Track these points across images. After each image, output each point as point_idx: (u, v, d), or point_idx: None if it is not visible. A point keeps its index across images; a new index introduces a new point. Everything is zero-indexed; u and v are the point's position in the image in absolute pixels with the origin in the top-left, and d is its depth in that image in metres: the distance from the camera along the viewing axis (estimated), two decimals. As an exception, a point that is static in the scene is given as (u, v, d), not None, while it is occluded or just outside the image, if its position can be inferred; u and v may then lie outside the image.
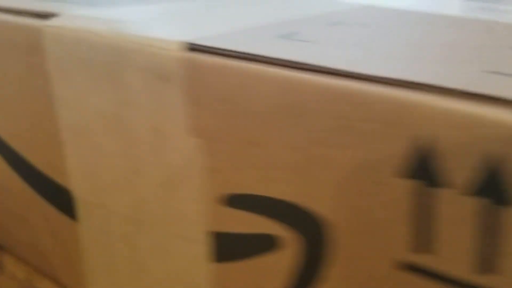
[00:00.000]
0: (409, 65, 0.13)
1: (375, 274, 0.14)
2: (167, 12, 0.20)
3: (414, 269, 0.13)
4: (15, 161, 0.23)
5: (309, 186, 0.14)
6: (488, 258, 0.11)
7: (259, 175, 0.15)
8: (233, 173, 0.15)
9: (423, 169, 0.12)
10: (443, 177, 0.11)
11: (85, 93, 0.18)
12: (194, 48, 0.15)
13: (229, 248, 0.17)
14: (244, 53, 0.14)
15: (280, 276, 0.16)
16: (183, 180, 0.17)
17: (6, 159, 0.23)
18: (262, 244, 0.16)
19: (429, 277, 0.13)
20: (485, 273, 0.12)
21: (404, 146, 0.12)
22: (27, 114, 0.21)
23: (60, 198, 0.21)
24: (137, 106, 0.17)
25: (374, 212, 0.13)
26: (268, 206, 0.15)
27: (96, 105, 0.18)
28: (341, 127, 0.13)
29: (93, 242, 0.21)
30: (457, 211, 0.12)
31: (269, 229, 0.15)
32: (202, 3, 0.22)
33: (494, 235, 0.11)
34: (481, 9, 0.23)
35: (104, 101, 0.17)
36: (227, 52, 0.14)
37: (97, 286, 0.22)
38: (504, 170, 0.11)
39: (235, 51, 0.14)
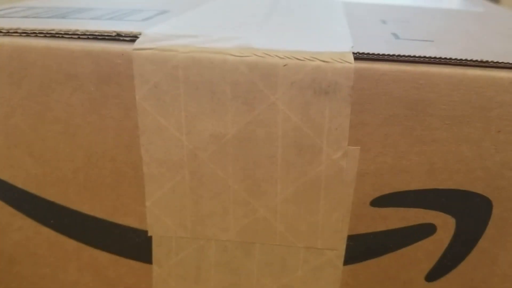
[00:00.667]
0: None
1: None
2: (249, 22, 0.18)
3: None
4: (59, 219, 0.18)
5: (477, 171, 0.15)
6: None
7: (425, 170, 0.15)
8: (392, 173, 0.16)
9: None
10: None
11: (193, 119, 0.16)
12: (362, 57, 0.15)
13: (371, 247, 0.17)
14: (415, 56, 0.14)
15: (426, 261, 0.17)
16: (322, 190, 0.16)
17: (47, 220, 0.18)
18: (415, 235, 0.16)
19: None
20: None
21: None
22: (85, 156, 0.17)
23: (132, 244, 0.18)
24: (275, 125, 0.15)
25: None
26: (426, 197, 0.16)
27: (211, 130, 0.16)
28: (517, 115, 0.14)
29: (174, 280, 0.18)
30: None
31: (421, 219, 0.16)
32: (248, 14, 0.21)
33: None
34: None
35: (224, 124, 0.16)
36: (399, 58, 0.14)
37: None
38: None
39: (403, 56, 0.14)
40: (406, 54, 0.14)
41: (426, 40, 0.17)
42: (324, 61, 0.15)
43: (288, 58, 0.15)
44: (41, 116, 0.17)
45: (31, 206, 0.18)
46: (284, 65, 0.15)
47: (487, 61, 0.14)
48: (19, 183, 0.18)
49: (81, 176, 0.17)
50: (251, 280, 0.18)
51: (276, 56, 0.15)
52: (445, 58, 0.14)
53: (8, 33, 0.16)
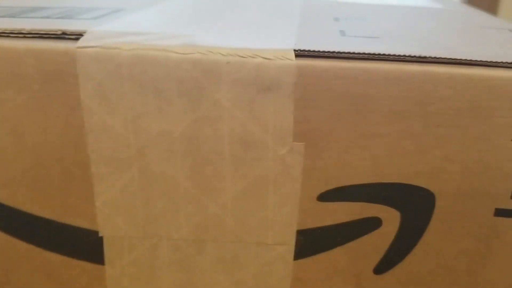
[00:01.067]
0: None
1: (475, 225, 0.16)
2: (199, 21, 0.18)
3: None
4: (9, 220, 0.18)
5: (419, 165, 0.15)
6: None
7: (369, 165, 0.16)
8: (337, 168, 0.16)
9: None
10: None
11: (139, 117, 0.16)
12: (304, 54, 0.15)
13: (318, 240, 0.17)
14: (354, 53, 0.14)
15: (374, 254, 0.17)
16: (271, 186, 0.16)
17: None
18: (362, 230, 0.17)
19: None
20: None
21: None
22: (33, 156, 0.17)
23: (84, 244, 0.18)
24: (221, 122, 0.15)
25: (481, 173, 0.15)
26: (371, 191, 0.16)
27: (158, 128, 0.16)
28: (459, 109, 0.15)
29: (128, 280, 0.18)
30: None
31: (367, 213, 0.16)
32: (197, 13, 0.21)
33: None
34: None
35: (171, 122, 0.16)
36: (339, 55, 0.15)
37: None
38: None
39: (345, 52, 0.15)
40: (346, 50, 0.14)
41: (372, 37, 0.17)
42: (266, 58, 0.14)
43: (231, 55, 0.15)
44: (-12, 117, 0.16)
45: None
46: (227, 63, 0.15)
47: (425, 57, 0.14)
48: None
49: (30, 177, 0.17)
50: (204, 277, 0.18)
51: (219, 53, 0.15)
52: (384, 54, 0.14)
53: (-49, 32, 0.16)
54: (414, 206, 0.16)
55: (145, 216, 0.17)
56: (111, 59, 0.15)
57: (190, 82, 0.15)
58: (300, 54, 0.14)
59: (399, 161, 0.15)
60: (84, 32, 0.16)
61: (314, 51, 0.14)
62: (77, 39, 0.15)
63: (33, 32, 0.16)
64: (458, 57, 0.14)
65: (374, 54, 0.14)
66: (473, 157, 0.15)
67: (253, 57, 0.14)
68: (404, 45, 0.16)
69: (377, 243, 0.17)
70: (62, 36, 0.16)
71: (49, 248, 0.18)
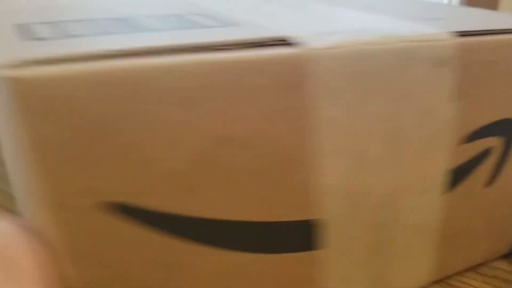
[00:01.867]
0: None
1: None
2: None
3: None
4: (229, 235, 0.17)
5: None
6: None
7: (493, 109, 0.22)
8: (474, 116, 0.21)
9: None
10: None
11: (357, 105, 0.18)
12: (463, 34, 0.20)
13: (459, 174, 0.22)
14: (496, 30, 0.20)
15: (489, 169, 0.23)
16: (435, 142, 0.21)
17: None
18: (483, 157, 0.23)
19: None
20: None
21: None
22: (262, 164, 0.17)
23: (294, 237, 0.19)
24: (412, 97, 0.19)
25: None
26: (490, 128, 0.22)
27: (369, 110, 0.19)
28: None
29: (341, 256, 0.20)
30: None
31: (487, 144, 0.23)
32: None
33: None
34: None
35: (378, 104, 0.19)
36: (485, 32, 0.20)
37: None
38: None
39: (484, 30, 0.20)
40: (476, 29, 0.20)
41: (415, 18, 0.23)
42: (442, 40, 0.19)
43: (421, 41, 0.19)
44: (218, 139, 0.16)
45: (220, 233, 0.17)
46: (420, 47, 0.19)
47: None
48: (184, 210, 0.17)
49: (254, 186, 0.18)
50: (390, 234, 0.21)
51: (412, 40, 0.19)
52: (505, 29, 0.21)
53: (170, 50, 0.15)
54: (510, 132, 0.23)
55: (351, 193, 0.20)
56: (339, 57, 0.17)
57: (394, 67, 0.18)
58: (460, 34, 0.20)
59: (506, 103, 0.22)
60: (286, 38, 0.17)
61: (467, 31, 0.20)
62: (279, 45, 0.17)
63: (248, 42, 0.17)
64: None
65: (497, 30, 0.20)
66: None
67: (435, 41, 0.19)
68: (461, 22, 0.22)
69: (488, 164, 0.23)
70: (268, 43, 0.17)
71: (267, 250, 0.19)
